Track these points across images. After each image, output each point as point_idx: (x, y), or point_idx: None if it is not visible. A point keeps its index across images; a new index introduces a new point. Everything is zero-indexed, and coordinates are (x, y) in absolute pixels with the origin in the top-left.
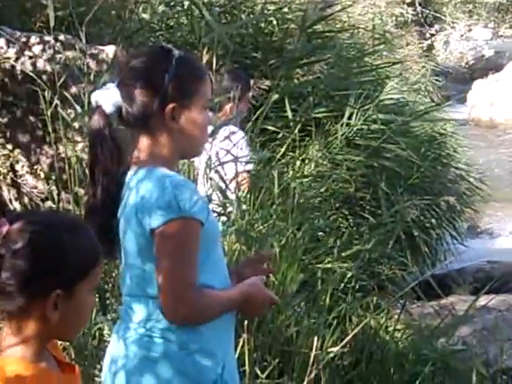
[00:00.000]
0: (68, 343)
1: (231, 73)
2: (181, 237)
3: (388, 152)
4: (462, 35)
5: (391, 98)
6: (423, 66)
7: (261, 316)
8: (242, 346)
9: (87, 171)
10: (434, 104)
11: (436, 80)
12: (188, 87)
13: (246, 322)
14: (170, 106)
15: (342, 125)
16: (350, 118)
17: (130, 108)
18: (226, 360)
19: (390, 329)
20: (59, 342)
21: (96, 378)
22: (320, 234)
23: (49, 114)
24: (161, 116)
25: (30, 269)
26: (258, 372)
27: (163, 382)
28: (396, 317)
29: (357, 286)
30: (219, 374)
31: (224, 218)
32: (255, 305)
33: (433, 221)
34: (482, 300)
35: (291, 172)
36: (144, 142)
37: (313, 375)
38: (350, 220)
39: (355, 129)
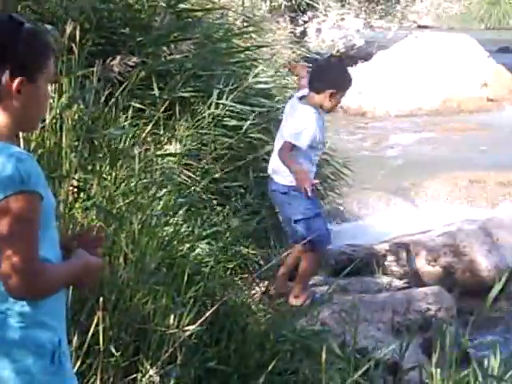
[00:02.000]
0: None
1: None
2: (23, 211)
3: (255, 133)
4: (334, 24)
5: (259, 82)
6: (294, 52)
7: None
8: (97, 324)
9: None
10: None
11: (308, 67)
12: (37, 62)
13: (101, 299)
14: (19, 79)
15: (210, 104)
16: (218, 98)
17: None
18: (61, 333)
19: (252, 308)
20: None
21: None
22: (184, 212)
23: None
24: (8, 89)
25: None
26: (113, 350)
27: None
28: (258, 297)
29: (219, 266)
30: (57, 345)
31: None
32: (89, 275)
33: None
34: (342, 282)
35: (152, 149)
36: None
37: (168, 353)
38: (216, 200)
39: (223, 109)
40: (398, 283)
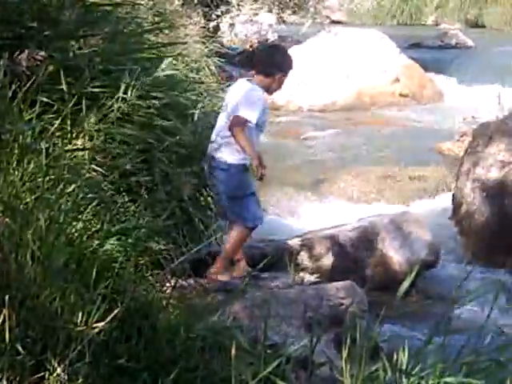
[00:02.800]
0: None
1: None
2: None
3: (164, 128)
4: (247, 18)
5: (167, 75)
6: (207, 47)
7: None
8: (3, 322)
9: None
10: (215, 83)
11: (219, 61)
12: None
13: (7, 296)
14: None
15: (117, 99)
16: (126, 92)
17: None
18: None
19: (163, 304)
20: None
21: None
22: (93, 208)
23: None
24: None
25: None
26: (20, 348)
27: None
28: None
29: (129, 262)
30: None
31: None
32: None
33: (208, 199)
34: (255, 277)
35: (60, 144)
36: None
37: (76, 351)
38: (126, 195)
39: (130, 103)
40: (310, 278)
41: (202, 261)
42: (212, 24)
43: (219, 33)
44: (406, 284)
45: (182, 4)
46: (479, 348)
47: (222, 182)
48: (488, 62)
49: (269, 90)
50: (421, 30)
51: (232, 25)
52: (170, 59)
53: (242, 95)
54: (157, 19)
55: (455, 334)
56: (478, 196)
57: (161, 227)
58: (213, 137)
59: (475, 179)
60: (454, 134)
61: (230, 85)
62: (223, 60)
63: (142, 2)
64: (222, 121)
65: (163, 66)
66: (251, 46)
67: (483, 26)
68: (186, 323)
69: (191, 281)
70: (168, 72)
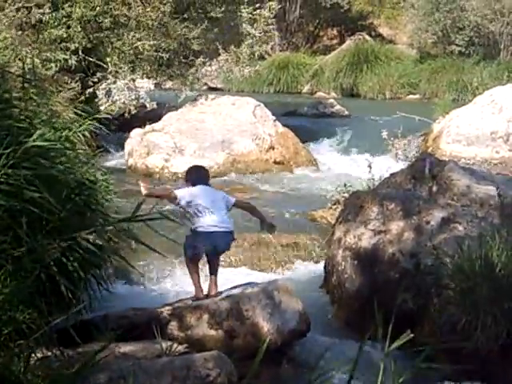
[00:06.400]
0: None
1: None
2: None
3: (32, 198)
4: (124, 85)
5: (38, 146)
6: (82, 113)
7: None
8: None
9: None
10: (87, 151)
11: (96, 128)
12: None
13: None
14: None
15: None
16: None
17: None
18: None
19: (26, 376)
20: None
21: None
22: None
23: None
24: None
25: None
26: None
27: None
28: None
29: None
30: None
31: None
32: None
33: (75, 265)
34: (123, 347)
35: None
36: None
37: None
38: None
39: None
40: (178, 348)
41: (68, 330)
42: (88, 90)
43: (96, 99)
44: (259, 356)
45: (58, 70)
46: None
47: (227, 243)
48: (361, 131)
49: None
50: (296, 99)
51: (109, 91)
52: (42, 128)
53: (222, 194)
54: (27, 86)
55: None
56: (349, 265)
57: (25, 295)
58: (216, 222)
59: (346, 248)
60: (327, 202)
61: (105, 149)
62: (99, 126)
63: (14, 68)
64: (220, 214)
65: (35, 136)
66: (129, 113)
67: (358, 95)
68: None
69: (57, 351)
70: (38, 142)
